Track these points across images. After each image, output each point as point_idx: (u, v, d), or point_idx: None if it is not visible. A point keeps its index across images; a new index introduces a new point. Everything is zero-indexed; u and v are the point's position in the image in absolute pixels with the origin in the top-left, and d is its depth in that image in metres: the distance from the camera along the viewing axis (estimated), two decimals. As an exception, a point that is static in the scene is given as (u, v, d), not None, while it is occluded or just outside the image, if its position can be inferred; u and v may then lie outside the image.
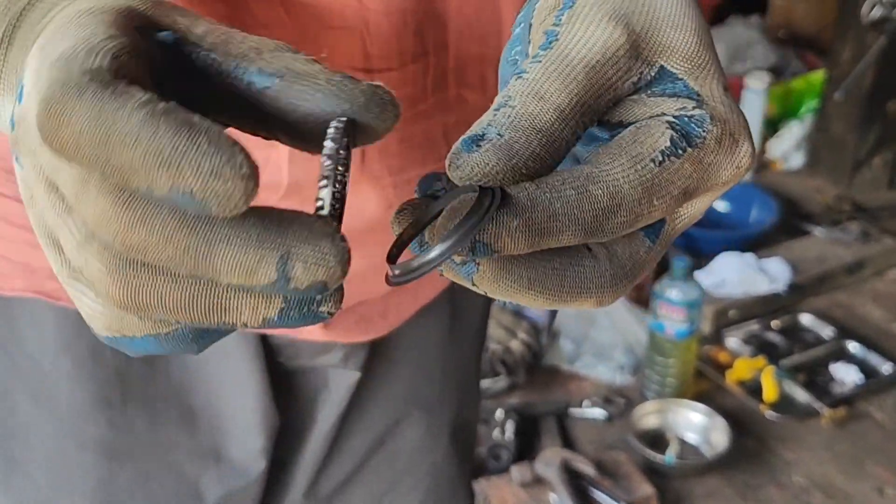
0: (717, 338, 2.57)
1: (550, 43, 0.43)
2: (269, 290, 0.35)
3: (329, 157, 0.39)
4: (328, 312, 0.38)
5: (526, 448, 2.20)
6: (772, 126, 3.45)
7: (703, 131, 0.43)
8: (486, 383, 2.34)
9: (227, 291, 0.36)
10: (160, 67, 0.41)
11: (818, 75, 3.47)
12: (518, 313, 2.52)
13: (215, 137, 0.33)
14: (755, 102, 3.24)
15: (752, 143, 0.45)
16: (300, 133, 0.42)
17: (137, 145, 0.33)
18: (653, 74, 0.44)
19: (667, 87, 0.44)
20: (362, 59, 0.70)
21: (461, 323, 0.96)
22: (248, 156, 0.33)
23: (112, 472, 0.85)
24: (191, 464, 0.87)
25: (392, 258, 0.42)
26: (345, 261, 0.35)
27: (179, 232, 0.34)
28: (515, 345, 2.42)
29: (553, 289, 0.42)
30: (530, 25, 0.48)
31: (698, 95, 0.44)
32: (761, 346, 2.54)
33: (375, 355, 0.90)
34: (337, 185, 0.38)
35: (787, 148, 3.40)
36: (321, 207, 0.38)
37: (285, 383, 0.89)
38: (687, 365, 2.33)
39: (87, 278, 0.38)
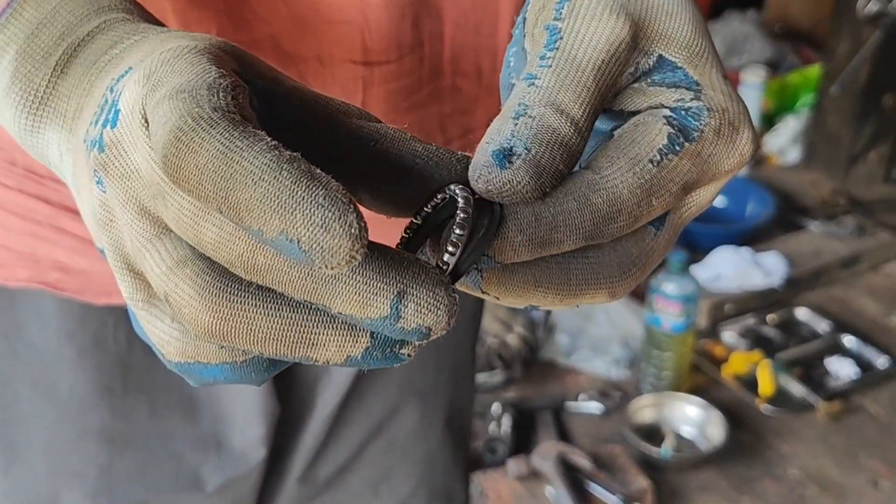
0: (713, 332, 2.57)
1: (556, 42, 0.43)
2: (376, 325, 0.36)
3: (461, 225, 0.39)
4: (408, 355, 0.39)
5: (522, 442, 2.21)
6: (768, 121, 3.46)
7: (701, 124, 0.43)
8: (482, 377, 2.34)
9: (321, 325, 0.37)
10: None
11: (814, 70, 3.48)
12: (514, 307, 2.52)
13: (332, 192, 0.34)
14: (751, 97, 3.24)
15: (754, 130, 0.45)
16: (387, 196, 0.42)
17: (258, 186, 0.33)
18: (651, 63, 0.44)
19: (666, 75, 0.44)
20: (361, 53, 0.70)
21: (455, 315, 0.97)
22: (360, 216, 0.34)
23: (113, 459, 0.85)
24: (191, 452, 0.87)
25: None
26: (453, 313, 0.37)
27: None
28: (512, 339, 2.43)
29: (561, 285, 0.42)
30: (524, 19, 0.48)
31: (697, 84, 0.44)
32: (757, 340, 2.55)
33: None
34: (463, 254, 0.39)
35: (784, 142, 3.41)
36: (444, 266, 0.38)
37: (285, 371, 0.89)
38: (683, 359, 2.34)
39: (172, 304, 0.38)
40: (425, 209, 0.41)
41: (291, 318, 0.37)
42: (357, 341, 0.37)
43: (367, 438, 0.97)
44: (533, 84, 0.42)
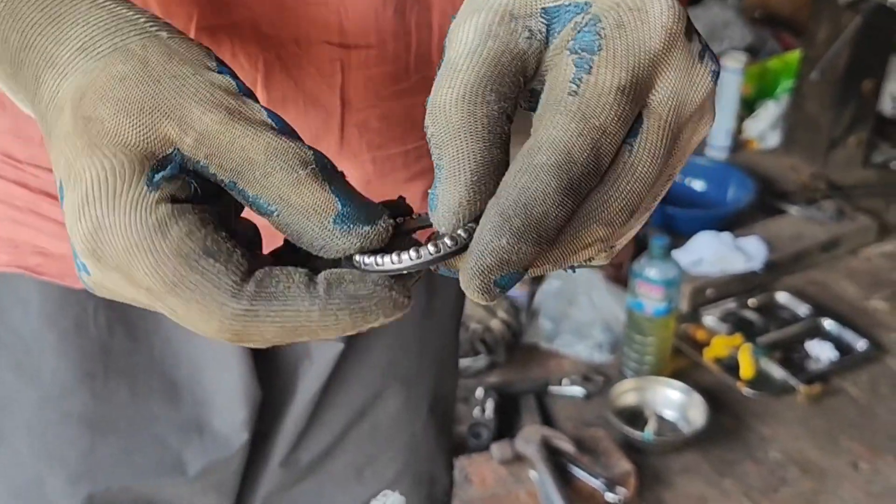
0: (694, 316, 2.59)
1: (442, 62, 0.45)
2: None
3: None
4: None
5: (506, 426, 2.22)
6: (748, 106, 3.47)
7: (598, 29, 0.43)
8: (466, 362, 2.35)
9: None
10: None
11: (794, 55, 3.49)
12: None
13: (377, 298, 0.43)
14: (731, 82, 3.25)
15: (669, 1, 0.44)
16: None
17: (327, 330, 0.43)
18: (544, 21, 0.44)
19: (560, 17, 0.44)
20: (338, 34, 0.70)
21: (438, 298, 0.97)
22: (403, 288, 0.44)
23: (95, 443, 0.85)
24: (173, 436, 0.87)
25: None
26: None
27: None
28: (495, 324, 2.44)
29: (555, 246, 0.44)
30: None
31: (587, 3, 0.43)
32: (738, 324, 2.56)
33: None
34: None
35: (764, 127, 3.42)
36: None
37: (267, 354, 0.90)
38: (665, 343, 2.35)
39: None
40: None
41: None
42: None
43: (350, 423, 0.97)
44: (429, 102, 0.45)
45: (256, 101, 0.45)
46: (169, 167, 0.42)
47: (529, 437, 2.08)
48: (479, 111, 0.43)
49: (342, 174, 0.45)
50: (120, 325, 0.82)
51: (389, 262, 0.43)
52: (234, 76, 0.46)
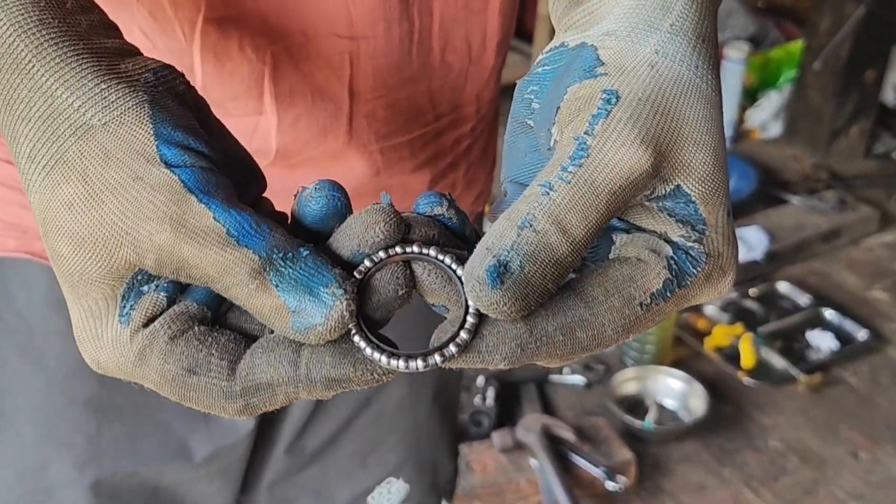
0: (695, 305, 2.58)
1: (580, 159, 0.43)
2: None
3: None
4: None
5: (506, 414, 2.22)
6: (750, 96, 3.47)
7: (697, 271, 0.45)
8: (466, 350, 2.34)
9: None
10: None
11: (797, 45, 3.48)
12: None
13: (361, 379, 0.45)
14: (734, 72, 3.25)
15: (736, 270, 0.46)
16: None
17: (325, 391, 0.45)
18: (668, 190, 0.44)
19: (678, 205, 0.44)
20: (346, 27, 0.70)
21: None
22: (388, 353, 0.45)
23: (101, 429, 0.85)
24: (179, 422, 0.87)
25: (354, 286, 0.44)
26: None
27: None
28: (496, 312, 2.43)
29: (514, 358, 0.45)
30: (555, 94, 0.48)
31: (704, 224, 0.44)
32: (739, 314, 2.56)
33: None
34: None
35: (766, 117, 3.42)
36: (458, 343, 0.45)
37: None
38: (666, 332, 2.35)
39: None
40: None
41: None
42: None
43: (355, 410, 0.98)
44: (548, 195, 0.42)
45: (194, 145, 0.45)
46: (132, 294, 0.44)
47: (530, 425, 2.08)
48: (581, 254, 0.43)
49: (296, 246, 0.44)
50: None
51: (396, 365, 0.45)
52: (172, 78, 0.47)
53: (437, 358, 0.44)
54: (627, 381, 2.30)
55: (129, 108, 0.44)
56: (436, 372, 1.05)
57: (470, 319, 0.43)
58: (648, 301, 0.44)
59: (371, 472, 1.03)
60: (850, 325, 2.53)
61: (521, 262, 0.41)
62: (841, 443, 2.21)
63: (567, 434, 2.06)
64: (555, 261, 0.42)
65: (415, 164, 0.80)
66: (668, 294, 0.44)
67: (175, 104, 0.45)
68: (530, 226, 0.42)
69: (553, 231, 0.42)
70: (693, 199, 0.44)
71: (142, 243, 0.42)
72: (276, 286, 0.42)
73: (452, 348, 0.44)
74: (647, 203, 0.45)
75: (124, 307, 0.44)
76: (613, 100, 0.44)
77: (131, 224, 0.42)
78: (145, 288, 0.44)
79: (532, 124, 0.49)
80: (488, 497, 1.98)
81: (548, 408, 2.26)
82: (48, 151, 0.43)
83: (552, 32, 0.53)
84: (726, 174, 0.46)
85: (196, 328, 0.44)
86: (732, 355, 2.40)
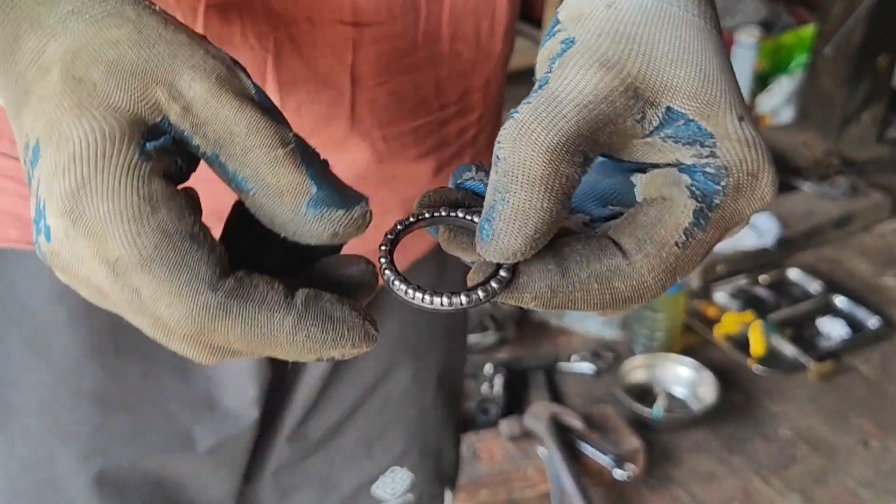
0: (705, 292, 2.58)
1: (541, 87, 0.44)
2: None
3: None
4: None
5: (514, 402, 2.22)
6: (762, 81, 3.45)
7: (722, 185, 0.43)
8: (474, 338, 2.35)
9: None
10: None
11: (808, 30, 3.47)
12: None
13: (351, 324, 0.42)
14: (745, 57, 3.23)
15: (774, 169, 0.45)
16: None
17: (294, 345, 0.41)
18: (661, 115, 0.44)
19: (679, 129, 0.44)
20: (351, 13, 0.69)
21: (448, 274, 0.97)
22: (373, 322, 0.43)
23: (106, 420, 0.85)
24: (184, 412, 0.87)
25: (388, 242, 0.45)
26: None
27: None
28: (504, 300, 2.43)
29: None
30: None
31: (712, 137, 0.44)
32: (749, 301, 2.56)
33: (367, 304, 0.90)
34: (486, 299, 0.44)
35: (777, 103, 3.40)
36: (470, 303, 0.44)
37: None
38: (675, 319, 2.34)
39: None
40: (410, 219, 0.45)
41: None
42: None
43: (360, 397, 0.98)
44: (512, 117, 0.43)
45: (248, 77, 0.45)
46: (161, 138, 0.42)
47: (538, 413, 2.08)
48: (563, 169, 0.42)
49: (325, 162, 0.44)
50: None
51: (440, 302, 0.44)
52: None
53: (481, 293, 0.43)
54: (636, 369, 2.29)
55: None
56: (440, 358, 1.05)
57: (503, 273, 0.43)
58: (684, 238, 0.43)
59: (376, 460, 1.02)
60: (861, 313, 2.52)
61: (502, 195, 0.42)
62: (851, 431, 2.20)
63: (575, 422, 2.06)
64: (531, 178, 0.41)
65: (419, 152, 0.80)
66: (703, 222, 0.43)
67: None
68: (497, 157, 0.42)
69: (522, 145, 0.42)
70: (690, 116, 0.44)
71: (179, 87, 0.42)
72: (305, 167, 0.42)
73: (494, 284, 0.43)
74: (649, 139, 0.44)
75: (145, 145, 0.41)
76: (569, 42, 0.45)
77: (176, 68, 0.42)
78: (168, 144, 0.42)
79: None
80: (496, 485, 1.98)
81: (556, 396, 2.26)
82: (101, 7, 0.44)
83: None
84: (724, 84, 0.45)
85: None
86: (742, 343, 2.40)
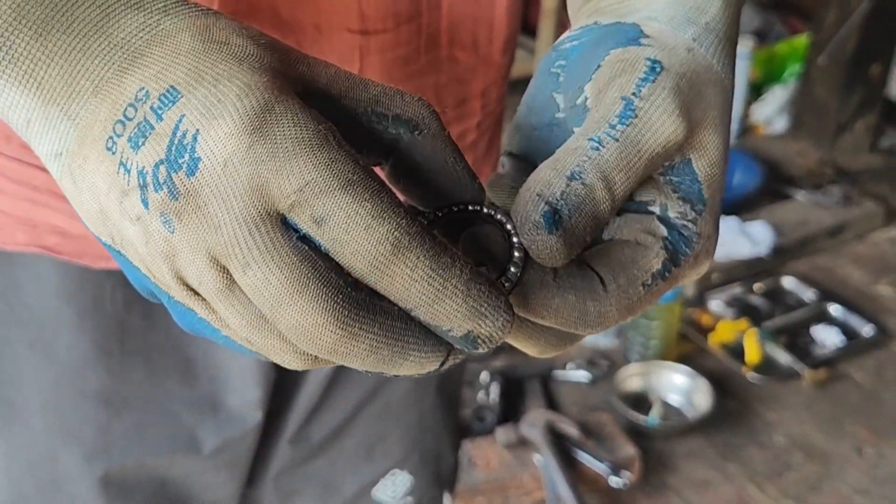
0: (700, 301, 2.59)
1: (629, 120, 0.45)
2: (456, 340, 0.41)
3: (520, 251, 0.44)
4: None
5: (510, 410, 2.22)
6: (755, 90, 3.46)
7: (689, 251, 0.46)
8: (471, 346, 2.35)
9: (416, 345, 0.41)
10: None
11: (802, 40, 3.48)
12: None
13: (505, 302, 0.40)
14: (739, 67, 3.24)
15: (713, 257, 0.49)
16: (426, 188, 0.45)
17: (463, 303, 0.39)
18: (679, 163, 0.46)
19: (684, 181, 0.46)
20: (358, 21, 0.70)
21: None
22: (511, 309, 0.40)
23: (110, 420, 0.86)
24: (188, 413, 0.88)
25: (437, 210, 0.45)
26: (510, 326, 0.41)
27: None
28: (500, 308, 2.44)
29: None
30: (589, 65, 0.48)
31: (704, 205, 0.47)
32: (744, 309, 2.56)
33: None
34: (521, 276, 0.44)
35: (771, 112, 3.41)
36: (509, 278, 0.44)
37: None
38: (670, 327, 2.35)
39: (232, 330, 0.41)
40: (447, 209, 0.45)
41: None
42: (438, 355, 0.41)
43: (362, 402, 0.98)
44: (598, 150, 0.44)
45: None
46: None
47: (534, 421, 2.08)
48: (616, 210, 0.45)
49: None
50: (137, 303, 0.82)
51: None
52: None
53: (506, 283, 0.44)
54: (632, 377, 2.30)
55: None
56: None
57: (516, 254, 0.44)
58: (650, 281, 0.45)
59: (377, 463, 1.03)
60: (855, 321, 2.53)
61: (570, 211, 0.43)
62: (846, 438, 2.21)
63: (571, 430, 2.06)
64: (597, 216, 0.43)
65: (419, 157, 0.80)
66: (667, 274, 0.46)
67: None
68: (580, 178, 0.43)
69: (600, 186, 0.43)
70: (700, 179, 0.46)
71: (315, 68, 0.42)
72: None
73: (510, 280, 0.44)
74: (655, 174, 0.46)
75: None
76: (658, 68, 0.46)
77: (300, 53, 0.42)
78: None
79: (558, 99, 0.50)
80: (492, 493, 1.98)
81: (552, 403, 2.26)
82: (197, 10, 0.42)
83: (557, 28, 0.54)
84: (727, 167, 0.48)
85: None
86: (737, 351, 2.40)
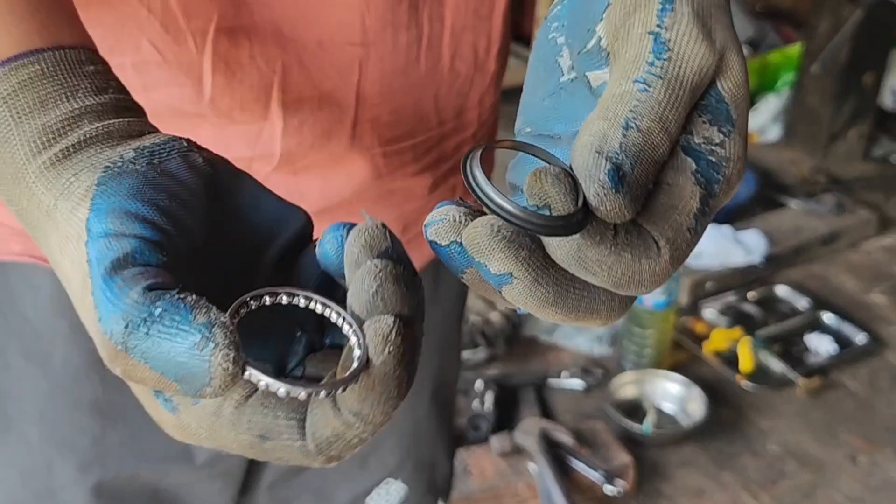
0: (694, 309, 2.59)
1: (664, 53, 0.43)
2: None
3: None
4: None
5: (505, 418, 2.22)
6: (749, 99, 3.46)
7: (722, 175, 0.44)
8: (465, 354, 2.35)
9: None
10: None
11: (795, 49, 3.49)
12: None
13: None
14: (732, 76, 3.25)
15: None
16: None
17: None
18: (706, 88, 0.45)
19: (710, 102, 0.44)
20: (360, 34, 0.70)
21: (442, 288, 0.97)
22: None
23: (105, 430, 0.86)
24: (182, 423, 0.88)
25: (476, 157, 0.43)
26: None
27: None
28: (495, 316, 2.44)
29: (569, 310, 0.43)
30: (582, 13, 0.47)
31: (732, 126, 0.44)
32: (738, 317, 2.57)
33: None
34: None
35: (765, 121, 3.42)
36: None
37: None
38: (664, 336, 2.35)
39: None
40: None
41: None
42: None
43: (355, 411, 0.98)
44: (647, 91, 0.42)
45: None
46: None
47: (528, 429, 2.08)
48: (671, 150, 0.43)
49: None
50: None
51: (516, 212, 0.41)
52: None
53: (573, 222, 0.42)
54: (626, 385, 2.30)
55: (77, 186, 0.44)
56: (434, 372, 1.06)
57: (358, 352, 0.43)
58: (694, 224, 0.43)
59: (370, 472, 1.03)
60: (848, 329, 2.53)
61: (632, 163, 0.41)
62: (840, 446, 2.21)
63: (565, 438, 2.06)
64: (656, 160, 0.42)
65: (417, 168, 0.81)
66: (707, 210, 0.43)
67: (160, 178, 0.44)
68: (635, 126, 0.41)
69: (657, 130, 0.42)
70: (727, 100, 0.44)
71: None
72: (143, 360, 0.40)
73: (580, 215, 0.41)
74: None
75: None
76: None
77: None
78: None
79: (562, 62, 0.48)
80: (487, 501, 1.98)
81: (546, 412, 2.26)
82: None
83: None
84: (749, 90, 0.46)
85: (260, 391, 0.43)
86: (731, 359, 2.40)
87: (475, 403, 2.24)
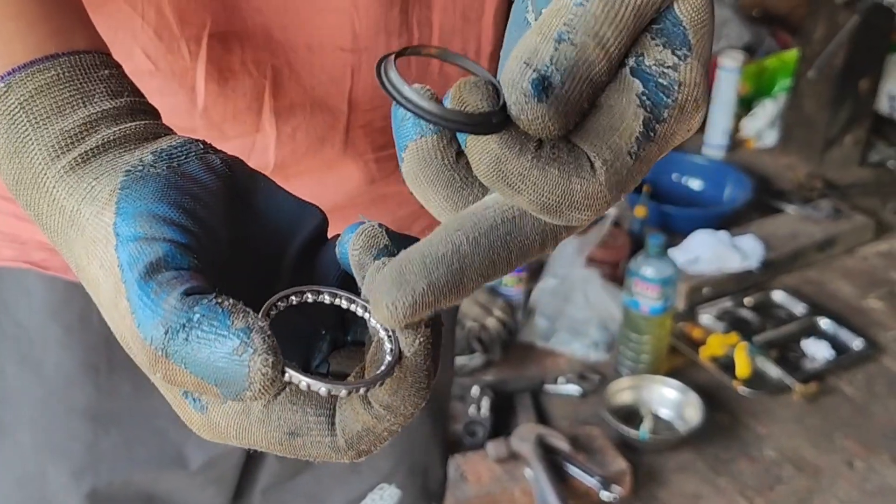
0: (690, 314, 2.59)
1: None
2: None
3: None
4: None
5: (501, 424, 2.22)
6: (745, 104, 3.47)
7: (671, 100, 0.42)
8: (461, 360, 2.35)
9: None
10: None
11: (791, 54, 3.50)
12: (494, 291, 2.53)
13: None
14: (729, 81, 3.25)
15: (706, 109, 0.44)
16: None
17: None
18: (662, 9, 0.42)
19: (665, 26, 0.42)
20: (350, 40, 0.71)
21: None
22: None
23: (98, 436, 0.85)
24: (175, 429, 0.88)
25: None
26: None
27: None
28: (491, 322, 2.44)
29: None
30: None
31: (689, 50, 0.42)
32: (734, 323, 2.57)
33: None
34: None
35: (761, 126, 3.43)
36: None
37: None
38: (661, 341, 2.35)
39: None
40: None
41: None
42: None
43: (348, 414, 0.98)
44: (582, 6, 0.40)
45: None
46: None
47: (525, 435, 2.08)
48: (613, 71, 0.41)
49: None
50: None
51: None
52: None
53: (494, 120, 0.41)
54: (622, 391, 2.30)
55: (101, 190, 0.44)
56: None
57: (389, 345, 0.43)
58: (635, 148, 0.41)
59: (364, 477, 1.03)
60: (845, 334, 2.53)
61: (562, 76, 0.39)
62: (836, 452, 2.21)
63: (562, 444, 2.06)
64: (591, 78, 0.40)
65: (410, 173, 0.81)
66: (652, 134, 0.41)
67: (181, 180, 0.45)
68: (568, 39, 0.40)
69: (592, 45, 0.40)
70: (683, 23, 0.42)
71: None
72: (183, 365, 0.40)
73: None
74: None
75: None
76: None
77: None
78: None
79: (528, 17, 0.46)
80: (484, 506, 1.98)
81: (542, 417, 2.26)
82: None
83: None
84: (714, 19, 0.44)
85: (289, 388, 0.43)
86: (727, 364, 2.41)
87: (471, 409, 2.24)
